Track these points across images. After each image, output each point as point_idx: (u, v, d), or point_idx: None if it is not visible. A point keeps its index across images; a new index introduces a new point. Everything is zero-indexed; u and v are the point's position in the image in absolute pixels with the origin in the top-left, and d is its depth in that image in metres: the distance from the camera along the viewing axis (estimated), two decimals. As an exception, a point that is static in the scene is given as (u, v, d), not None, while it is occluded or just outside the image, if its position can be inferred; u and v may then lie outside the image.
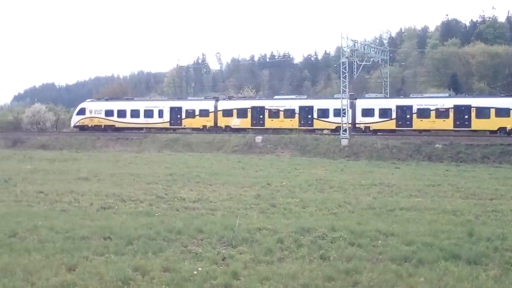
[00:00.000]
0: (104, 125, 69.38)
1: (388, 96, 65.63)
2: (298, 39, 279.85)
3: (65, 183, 27.63)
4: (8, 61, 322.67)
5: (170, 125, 67.06)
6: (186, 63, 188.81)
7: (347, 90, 53.86)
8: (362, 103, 58.95)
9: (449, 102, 55.65)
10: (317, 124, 59.85)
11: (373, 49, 64.41)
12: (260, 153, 51.95)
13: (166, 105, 67.99)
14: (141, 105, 69.75)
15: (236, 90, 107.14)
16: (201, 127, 65.14)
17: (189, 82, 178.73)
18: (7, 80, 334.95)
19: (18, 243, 13.78)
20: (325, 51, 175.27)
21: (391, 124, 56.89)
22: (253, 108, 63.27)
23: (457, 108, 54.68)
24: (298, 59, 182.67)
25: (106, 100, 74.47)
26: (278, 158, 47.81)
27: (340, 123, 54.27)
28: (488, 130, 53.81)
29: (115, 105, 70.76)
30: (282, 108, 61.56)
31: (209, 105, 66.18)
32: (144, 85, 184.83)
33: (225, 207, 20.25)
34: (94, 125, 70.01)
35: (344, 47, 55.63)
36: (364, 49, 59.96)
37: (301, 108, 60.88)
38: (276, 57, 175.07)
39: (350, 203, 21.45)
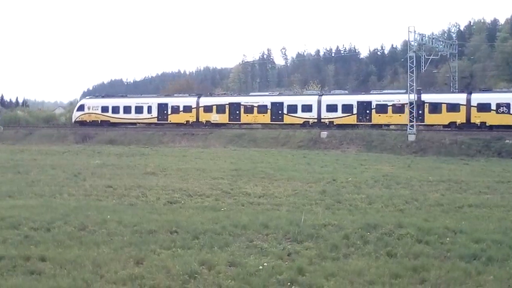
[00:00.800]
0: (101, 120, 73.88)
1: (453, 90, 64.15)
2: (364, 33, 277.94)
3: (133, 177, 28.09)
4: (78, 58, 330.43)
5: (157, 120, 70.83)
6: (251, 58, 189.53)
7: (414, 85, 52.93)
8: (326, 99, 62.57)
9: (405, 98, 56.11)
10: (287, 119, 62.87)
11: (441, 43, 63.16)
12: (326, 149, 51.63)
13: (154, 102, 72.33)
14: (133, 102, 73.93)
15: (301, 86, 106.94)
16: (185, 122, 68.76)
17: (254, 78, 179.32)
18: (77, 77, 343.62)
19: (87, 236, 14.07)
20: (392, 45, 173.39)
21: (352, 119, 59.38)
22: (230, 104, 67.00)
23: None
24: (364, 53, 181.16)
25: (102, 97, 79.85)
26: (344, 154, 47.44)
27: (308, 118, 60.70)
28: (440, 124, 56.82)
29: (110, 102, 75.49)
30: (256, 104, 65.17)
31: (191, 101, 69.92)
32: (209, 81, 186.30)
33: (290, 202, 20.19)
34: (92, 120, 74.44)
35: (412, 41, 54.74)
36: (432, 43, 58.86)
37: (272, 104, 64.37)
38: (342, 51, 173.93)
39: (417, 200, 21.06)
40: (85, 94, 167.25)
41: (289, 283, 10.30)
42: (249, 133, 59.44)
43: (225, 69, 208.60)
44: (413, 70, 53.20)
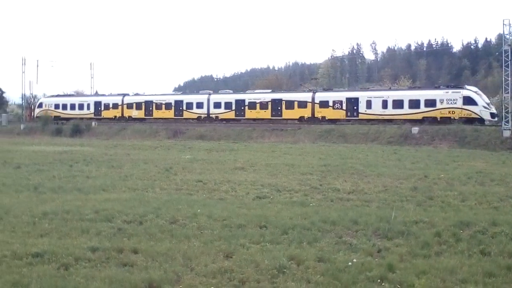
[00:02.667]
0: (54, 116, 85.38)
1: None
2: (457, 26, 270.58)
3: (223, 172, 28.36)
4: (172, 55, 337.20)
5: (94, 115, 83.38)
6: (340, 53, 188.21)
7: (510, 79, 51.19)
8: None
9: (268, 96, 70.92)
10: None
11: (540, 35, 60.79)
12: (417, 145, 50.68)
13: (91, 100, 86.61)
14: (76, 100, 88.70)
15: (391, 81, 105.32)
16: (113, 117, 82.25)
17: (344, 73, 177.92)
18: (168, 73, 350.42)
19: (178, 229, 14.31)
20: (486, 38, 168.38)
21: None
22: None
23: (273, 101, 70.29)
24: (457, 47, 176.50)
25: (55, 96, 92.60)
26: (436, 150, 46.41)
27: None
28: (294, 119, 68.06)
29: (60, 100, 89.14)
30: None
31: (117, 99, 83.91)
32: (298, 76, 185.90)
33: (380, 199, 19.90)
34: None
35: (506, 34, 53.00)
36: (528, 36, 56.71)
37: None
38: (434, 45, 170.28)
39: (512, 197, 20.36)
40: (176, 90, 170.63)
41: (379, 280, 10.15)
42: (338, 129, 59.09)
43: (314, 65, 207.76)
44: (508, 64, 51.45)
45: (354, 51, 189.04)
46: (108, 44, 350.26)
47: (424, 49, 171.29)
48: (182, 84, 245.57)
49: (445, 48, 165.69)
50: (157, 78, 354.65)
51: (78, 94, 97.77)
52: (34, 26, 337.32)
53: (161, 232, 13.95)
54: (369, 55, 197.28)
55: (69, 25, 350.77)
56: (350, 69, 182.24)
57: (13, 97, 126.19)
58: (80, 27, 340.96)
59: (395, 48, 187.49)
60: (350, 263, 11.08)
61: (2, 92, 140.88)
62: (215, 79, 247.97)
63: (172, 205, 17.85)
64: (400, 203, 18.89)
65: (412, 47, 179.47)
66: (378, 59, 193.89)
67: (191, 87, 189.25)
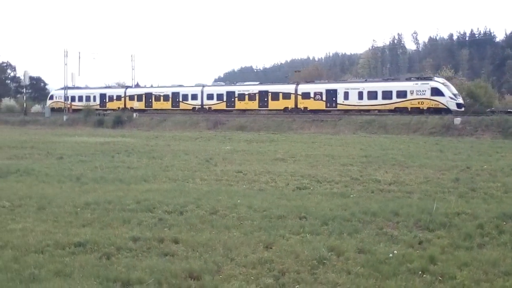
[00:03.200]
0: (62, 107, 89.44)
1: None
2: (500, 15, 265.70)
3: (262, 163, 28.37)
4: (210, 46, 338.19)
5: (100, 107, 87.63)
6: (381, 43, 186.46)
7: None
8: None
9: (256, 88, 76.36)
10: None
11: None
12: (459, 135, 49.99)
13: (97, 92, 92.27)
14: (84, 92, 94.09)
15: (433, 71, 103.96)
16: (117, 108, 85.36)
17: (384, 64, 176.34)
18: (208, 65, 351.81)
19: (218, 220, 14.37)
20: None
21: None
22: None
23: (260, 92, 74.52)
24: (500, 36, 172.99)
25: (64, 88, 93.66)
26: (478, 141, 45.70)
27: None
28: (279, 109, 72.40)
29: (69, 93, 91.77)
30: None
31: (120, 92, 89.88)
32: (339, 67, 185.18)
33: (422, 190, 19.67)
34: (58, 107, 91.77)
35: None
36: None
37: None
38: (476, 35, 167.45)
39: (558, 189, 19.96)
40: (217, 81, 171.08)
41: (420, 272, 10.05)
42: (379, 120, 58.57)
43: (354, 55, 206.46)
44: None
45: (395, 41, 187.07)
46: (149, 36, 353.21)
47: (467, 38, 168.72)
48: (222, 75, 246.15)
49: (487, 37, 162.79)
50: (197, 69, 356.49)
51: (86, 87, 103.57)
52: (77, 18, 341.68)
53: (201, 222, 14.03)
54: (410, 45, 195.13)
55: (111, 17, 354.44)
56: (391, 60, 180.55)
57: (56, 88, 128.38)
58: (122, 19, 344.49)
59: (437, 38, 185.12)
60: (391, 255, 11.00)
61: (45, 84, 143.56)
62: (255, 70, 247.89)
63: (212, 195, 17.92)
64: (442, 194, 18.65)
65: (454, 37, 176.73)
66: (420, 49, 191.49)
67: (231, 78, 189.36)
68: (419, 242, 12.17)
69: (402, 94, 62.64)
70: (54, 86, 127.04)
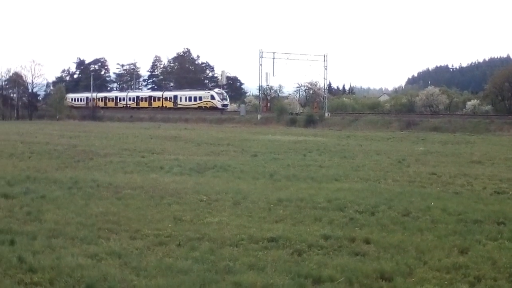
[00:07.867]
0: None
1: None
2: None
3: (458, 165, 27.50)
4: (402, 44, 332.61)
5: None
6: None
7: None
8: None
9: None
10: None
11: None
12: None
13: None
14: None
15: None
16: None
17: None
18: (401, 64, 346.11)
19: (411, 222, 14.07)
20: None
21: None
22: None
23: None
24: None
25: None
26: None
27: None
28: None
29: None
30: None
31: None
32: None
33: None
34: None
35: None
36: None
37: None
38: None
39: None
40: (410, 81, 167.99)
41: None
42: None
43: None
44: None
45: None
46: (342, 37, 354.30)
47: None
48: (415, 75, 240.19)
49: None
50: (387, 69, 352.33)
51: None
52: (271, 21, 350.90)
53: (393, 223, 13.81)
54: None
55: (303, 19, 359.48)
56: None
57: (251, 88, 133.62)
58: (315, 20, 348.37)
59: None
60: None
61: (241, 84, 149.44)
62: (451, 69, 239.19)
63: (405, 197, 17.62)
64: None
65: None
66: None
67: (425, 78, 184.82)
68: None
69: (199, 98, 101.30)
70: (249, 86, 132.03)
